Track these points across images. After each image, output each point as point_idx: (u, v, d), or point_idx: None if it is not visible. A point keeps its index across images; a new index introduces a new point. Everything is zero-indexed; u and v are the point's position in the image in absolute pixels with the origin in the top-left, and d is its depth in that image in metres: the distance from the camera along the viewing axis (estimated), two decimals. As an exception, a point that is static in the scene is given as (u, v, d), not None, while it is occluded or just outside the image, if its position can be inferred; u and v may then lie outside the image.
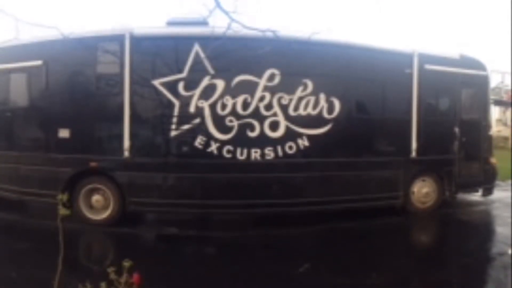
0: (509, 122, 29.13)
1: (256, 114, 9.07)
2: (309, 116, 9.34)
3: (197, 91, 8.90)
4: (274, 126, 9.15)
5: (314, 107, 9.35)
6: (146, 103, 9.12)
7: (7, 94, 9.72)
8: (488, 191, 11.43)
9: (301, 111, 9.28)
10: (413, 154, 10.27)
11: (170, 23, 9.70)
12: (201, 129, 8.95)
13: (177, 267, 6.89)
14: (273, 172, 9.22)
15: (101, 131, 9.34)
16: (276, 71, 9.09)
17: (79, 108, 9.14)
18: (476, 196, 11.86)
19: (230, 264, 7.07)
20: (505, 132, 29.33)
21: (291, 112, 9.22)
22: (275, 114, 9.14)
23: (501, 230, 9.44)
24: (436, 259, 7.70)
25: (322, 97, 9.38)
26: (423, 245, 9.26)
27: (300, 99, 9.26)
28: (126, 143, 8.90)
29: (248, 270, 6.81)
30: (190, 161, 9.10)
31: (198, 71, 8.89)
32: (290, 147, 9.25)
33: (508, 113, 29.72)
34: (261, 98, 9.07)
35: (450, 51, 11.03)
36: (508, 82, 24.42)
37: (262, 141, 9.12)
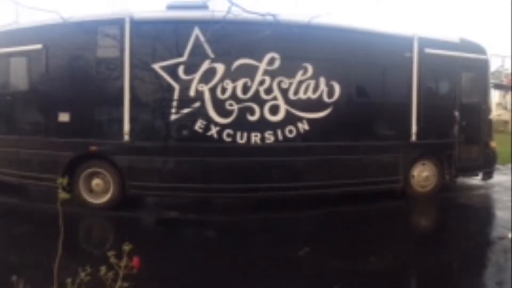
0: (509, 106, 29.08)
1: (256, 98, 9.04)
2: (309, 100, 9.32)
3: (197, 75, 8.86)
4: (274, 110, 9.13)
5: (314, 91, 9.32)
6: (146, 87, 9.09)
7: (7, 78, 9.67)
8: (488, 175, 11.44)
9: (301, 95, 9.25)
10: (413, 138, 10.25)
11: (170, 7, 9.64)
12: (201, 112, 8.93)
13: (177, 251, 6.90)
14: (273, 156, 9.21)
15: (101, 115, 9.31)
16: (276, 55, 9.05)
17: (79, 92, 9.10)
18: (476, 180, 11.85)
19: (230, 248, 7.10)
20: (505, 116, 29.29)
21: (291, 96, 9.20)
22: (275, 98, 9.12)
23: (501, 214, 9.47)
24: (436, 243, 7.75)
25: (322, 81, 9.35)
26: (423, 229, 9.30)
27: (300, 83, 9.23)
28: (126, 127, 8.89)
29: (248, 253, 6.84)
30: (190, 144, 9.11)
31: (198, 55, 8.85)
32: (290, 131, 9.24)
33: (508, 97, 29.69)
34: (261, 82, 9.04)
35: (450, 35, 10.97)
36: (508, 66, 24.42)
37: (262, 125, 9.11)
